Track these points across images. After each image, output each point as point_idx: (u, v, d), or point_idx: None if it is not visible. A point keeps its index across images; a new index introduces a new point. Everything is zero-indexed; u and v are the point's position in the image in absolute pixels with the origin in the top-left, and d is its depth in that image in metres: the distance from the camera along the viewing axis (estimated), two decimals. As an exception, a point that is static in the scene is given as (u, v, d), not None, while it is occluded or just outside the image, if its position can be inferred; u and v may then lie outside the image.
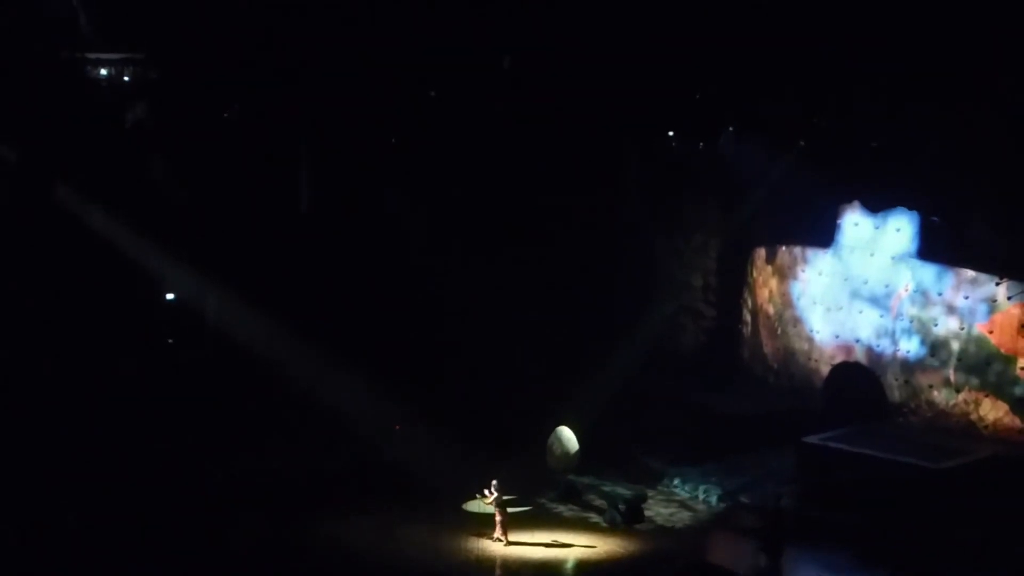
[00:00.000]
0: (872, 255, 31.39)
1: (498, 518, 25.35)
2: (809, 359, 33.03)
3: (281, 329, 30.72)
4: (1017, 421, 28.49)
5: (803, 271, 33.32)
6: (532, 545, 25.27)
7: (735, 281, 35.52)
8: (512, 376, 31.66)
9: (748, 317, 35.14)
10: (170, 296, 32.25)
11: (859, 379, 31.58)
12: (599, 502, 27.77)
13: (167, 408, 29.41)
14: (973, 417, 29.12)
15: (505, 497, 25.48)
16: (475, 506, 26.43)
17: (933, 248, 30.16)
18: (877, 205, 31.13)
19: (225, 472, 28.20)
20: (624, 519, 26.57)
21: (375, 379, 30.50)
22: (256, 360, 30.58)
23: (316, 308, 31.27)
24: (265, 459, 29.12)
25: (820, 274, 32.76)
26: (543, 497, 27.96)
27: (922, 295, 30.30)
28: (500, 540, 25.17)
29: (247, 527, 25.42)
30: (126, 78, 31.49)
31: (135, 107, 31.98)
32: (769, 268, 34.33)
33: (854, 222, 31.85)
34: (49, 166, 30.77)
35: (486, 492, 25.32)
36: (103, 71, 31.25)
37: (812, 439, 27.64)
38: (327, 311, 31.47)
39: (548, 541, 25.49)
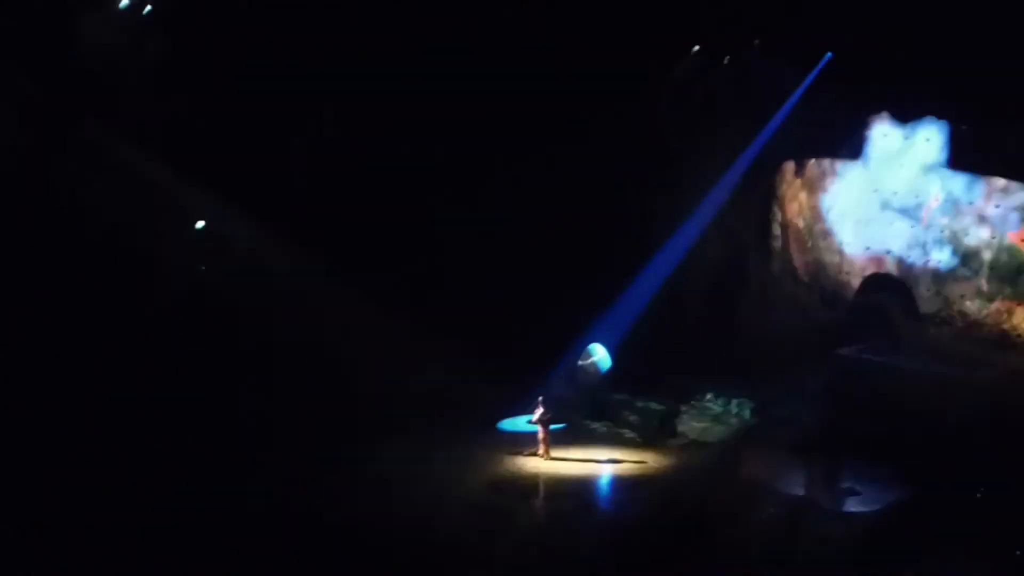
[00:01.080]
0: (902, 166, 31.08)
1: (540, 435, 25.74)
2: (840, 272, 32.83)
3: (312, 255, 30.91)
4: (1051, 330, 28.66)
5: (832, 183, 33.02)
6: (570, 461, 25.66)
7: (764, 196, 35.11)
8: (543, 295, 31.75)
9: (778, 231, 34.84)
10: (200, 224, 32.41)
11: (890, 290, 31.69)
12: (632, 418, 28.03)
13: (200, 334, 29.79)
14: (1006, 326, 28.90)
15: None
16: (510, 424, 26.70)
17: (963, 157, 29.91)
18: (906, 115, 30.76)
19: (258, 397, 28.31)
20: (658, 434, 26.82)
21: (406, 302, 31.03)
22: (286, 287, 30.85)
23: (348, 234, 31.40)
24: (297, 384, 29.00)
25: (849, 186, 32.47)
26: (577, 414, 28.42)
27: (953, 205, 30.07)
28: (541, 456, 25.61)
29: (280, 453, 25.46)
30: (148, 8, 31.48)
31: (156, 38, 31.99)
32: (798, 181, 34.05)
33: (883, 133, 31.45)
34: (74, 99, 30.93)
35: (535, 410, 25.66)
36: (124, 1, 31.22)
37: (844, 351, 27.64)
38: (358, 236, 31.59)
39: (586, 457, 25.93)
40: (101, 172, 30.79)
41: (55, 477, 23.16)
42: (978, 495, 22.24)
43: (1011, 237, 29.13)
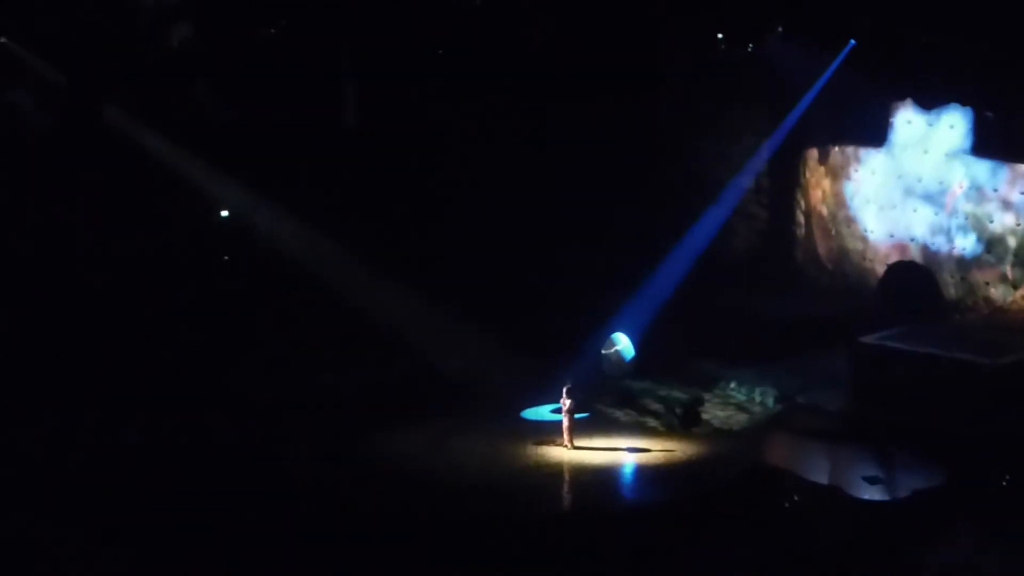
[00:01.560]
0: (925, 152, 31.10)
1: (565, 423, 25.77)
2: (864, 259, 32.90)
3: (332, 244, 30.98)
4: (1075, 316, 28.46)
5: (856, 171, 33.05)
6: (593, 450, 25.64)
7: (787, 183, 35.24)
8: (565, 283, 31.72)
9: (801, 219, 34.92)
10: (224, 213, 32.55)
11: (914, 277, 31.59)
12: (655, 406, 28.05)
13: (224, 323, 29.92)
14: (1032, 313, 29.16)
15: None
16: (533, 413, 26.70)
17: (987, 144, 29.87)
18: (930, 102, 30.76)
19: (278, 386, 28.45)
20: (681, 422, 26.78)
21: (426, 291, 30.78)
22: (307, 274, 30.92)
23: (366, 221, 31.47)
24: (318, 372, 29.28)
25: (873, 173, 32.52)
26: (600, 403, 28.37)
27: (977, 191, 30.07)
28: (566, 446, 25.63)
29: (302, 440, 25.54)
30: (171, -3, 31.62)
31: (181, 26, 32.12)
32: (822, 169, 34.05)
33: (907, 120, 31.49)
34: (98, 88, 31.05)
35: (562, 400, 25.63)
36: (150, -9, 31.35)
37: (868, 339, 27.54)
38: (377, 224, 31.66)
39: (610, 445, 25.82)
40: (122, 160, 31.19)
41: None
42: (1004, 482, 22.20)
43: (1036, 223, 29.52)
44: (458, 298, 30.44)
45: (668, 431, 26.45)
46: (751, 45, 32.33)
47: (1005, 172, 29.37)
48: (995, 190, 29.45)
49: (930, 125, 30.84)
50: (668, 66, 34.46)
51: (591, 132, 33.05)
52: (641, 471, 24.70)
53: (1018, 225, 29.04)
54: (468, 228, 32.67)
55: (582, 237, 32.75)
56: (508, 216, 32.68)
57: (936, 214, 30.78)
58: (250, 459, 24.36)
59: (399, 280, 30.51)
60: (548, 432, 25.68)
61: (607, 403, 27.98)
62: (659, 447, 25.60)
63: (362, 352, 30.04)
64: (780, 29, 31.11)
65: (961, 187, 30.23)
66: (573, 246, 32.68)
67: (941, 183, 30.68)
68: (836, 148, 33.50)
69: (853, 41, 30.06)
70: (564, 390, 25.37)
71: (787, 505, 22.06)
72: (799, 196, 34.95)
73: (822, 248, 34.10)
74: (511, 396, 27.36)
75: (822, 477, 23.22)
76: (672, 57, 34.26)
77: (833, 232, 33.71)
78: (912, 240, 31.48)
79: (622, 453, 25.36)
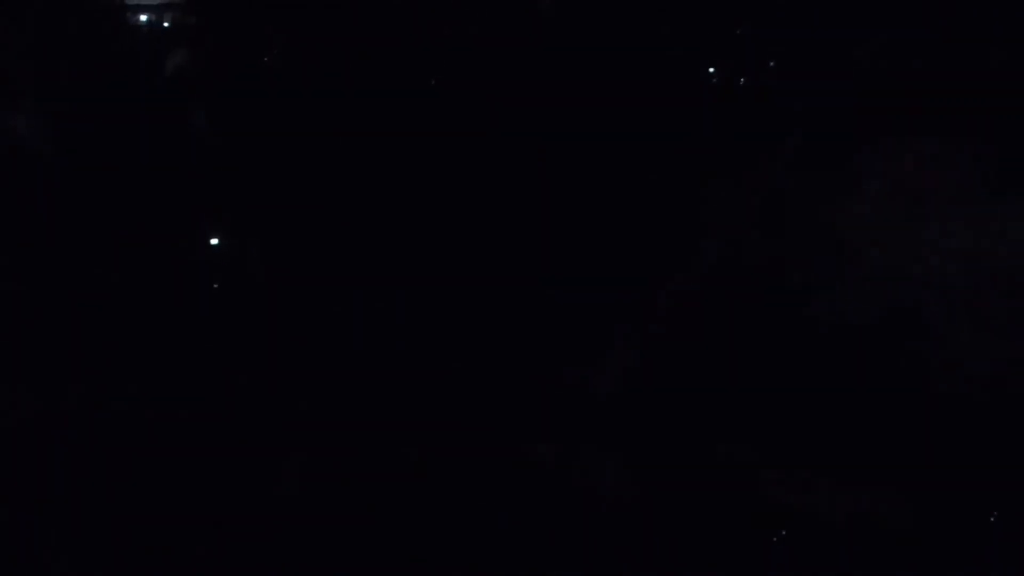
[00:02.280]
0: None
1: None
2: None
3: (326, 268, 30.84)
4: None
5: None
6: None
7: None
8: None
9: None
10: (214, 241, 32.38)
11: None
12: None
13: (220, 348, 29.68)
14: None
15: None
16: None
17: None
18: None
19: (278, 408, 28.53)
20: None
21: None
22: (302, 300, 30.73)
23: (363, 248, 31.34)
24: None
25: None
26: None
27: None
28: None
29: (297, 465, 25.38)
30: (166, 24, 31.64)
31: (175, 53, 32.17)
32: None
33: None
34: (90, 114, 31.02)
35: None
36: (143, 17, 31.39)
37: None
38: (375, 249, 31.53)
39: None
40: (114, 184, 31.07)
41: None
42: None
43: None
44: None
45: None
46: (742, 80, 32.68)
47: None
48: None
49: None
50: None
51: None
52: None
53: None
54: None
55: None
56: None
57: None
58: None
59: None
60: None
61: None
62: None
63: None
64: (772, 64, 31.42)
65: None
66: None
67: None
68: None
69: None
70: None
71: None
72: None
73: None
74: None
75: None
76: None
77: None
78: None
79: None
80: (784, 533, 21.88)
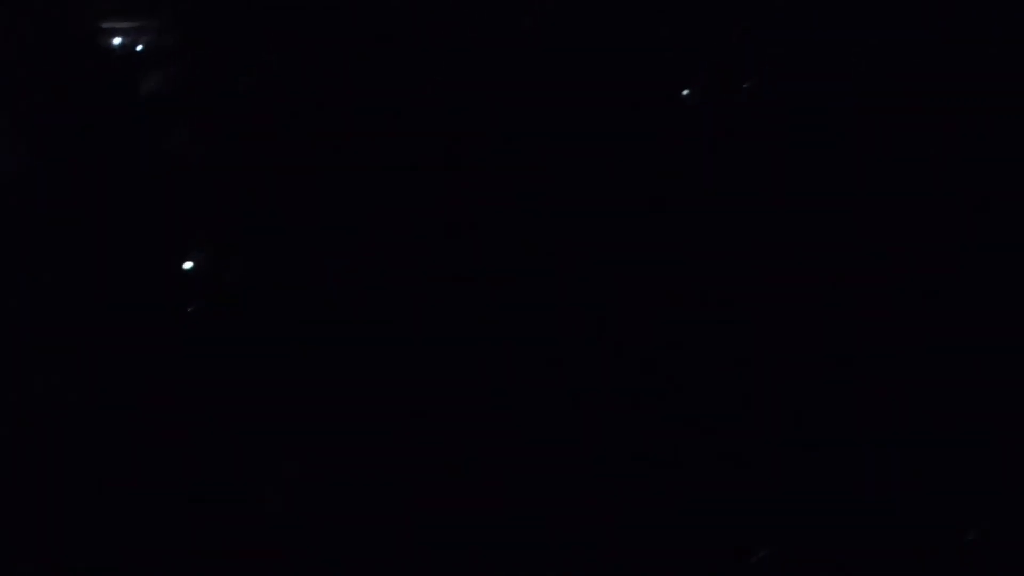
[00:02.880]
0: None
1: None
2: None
3: (306, 293, 30.75)
4: None
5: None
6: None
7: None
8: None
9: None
10: (187, 265, 32.15)
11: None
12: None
13: (194, 374, 29.47)
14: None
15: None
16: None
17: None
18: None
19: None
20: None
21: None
22: (282, 325, 30.60)
23: (344, 272, 31.28)
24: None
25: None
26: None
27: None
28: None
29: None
30: (139, 47, 31.46)
31: (149, 76, 31.98)
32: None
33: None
34: (63, 136, 30.78)
35: None
36: (116, 40, 31.20)
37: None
38: (357, 275, 31.48)
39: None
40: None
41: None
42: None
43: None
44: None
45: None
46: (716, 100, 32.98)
47: None
48: None
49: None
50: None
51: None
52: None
53: None
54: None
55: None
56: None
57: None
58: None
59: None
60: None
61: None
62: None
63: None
64: (747, 86, 31.72)
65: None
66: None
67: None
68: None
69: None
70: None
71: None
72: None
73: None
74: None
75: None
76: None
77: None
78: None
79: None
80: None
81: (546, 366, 26.86)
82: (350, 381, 29.45)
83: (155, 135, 31.17)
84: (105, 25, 30.42)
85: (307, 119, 32.70)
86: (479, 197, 29.72)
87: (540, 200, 29.79)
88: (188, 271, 32.04)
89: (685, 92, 31.30)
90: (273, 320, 29.99)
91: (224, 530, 22.82)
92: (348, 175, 32.82)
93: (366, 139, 32.52)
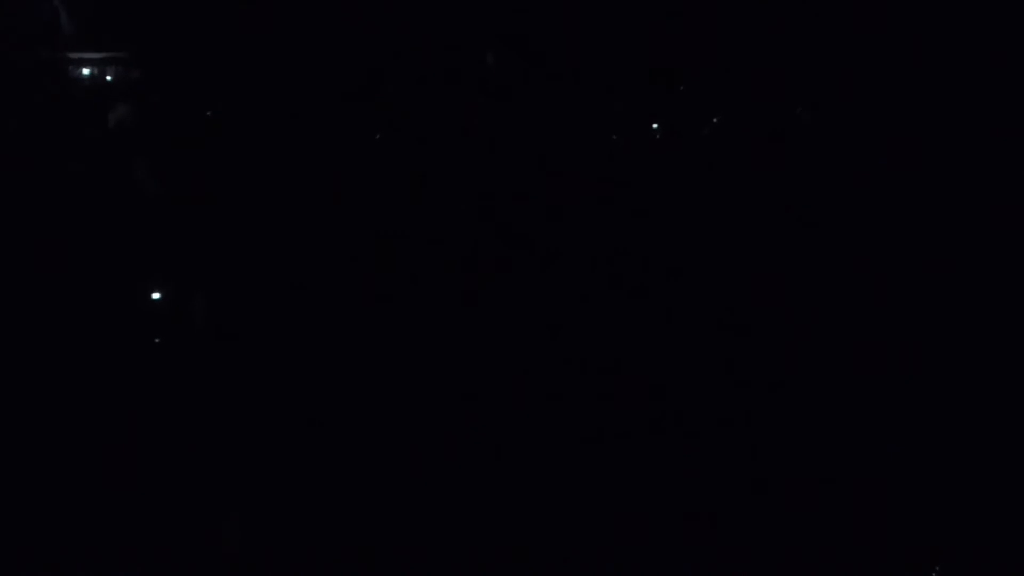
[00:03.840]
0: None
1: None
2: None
3: (275, 324, 30.63)
4: None
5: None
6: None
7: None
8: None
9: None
10: (156, 295, 32.02)
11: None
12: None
13: (162, 406, 29.32)
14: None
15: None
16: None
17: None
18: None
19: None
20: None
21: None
22: (250, 358, 30.49)
23: (312, 305, 31.18)
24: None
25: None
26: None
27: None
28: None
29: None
30: (108, 78, 31.41)
31: (117, 107, 31.92)
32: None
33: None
34: (30, 167, 30.66)
35: None
36: (85, 71, 31.15)
37: None
38: (326, 307, 31.37)
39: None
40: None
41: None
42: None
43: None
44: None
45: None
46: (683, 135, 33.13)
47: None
48: None
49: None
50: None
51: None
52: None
53: None
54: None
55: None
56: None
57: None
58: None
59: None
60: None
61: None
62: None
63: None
64: (715, 120, 31.82)
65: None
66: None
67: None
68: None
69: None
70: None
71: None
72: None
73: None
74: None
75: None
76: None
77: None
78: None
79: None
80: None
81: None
82: (318, 413, 29.44)
83: (123, 166, 31.13)
84: (74, 56, 30.36)
85: (277, 151, 32.73)
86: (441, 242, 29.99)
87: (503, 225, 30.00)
88: (155, 302, 31.96)
89: (655, 126, 31.50)
90: (240, 352, 29.93)
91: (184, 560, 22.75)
92: (316, 207, 32.86)
93: (334, 172, 32.56)
